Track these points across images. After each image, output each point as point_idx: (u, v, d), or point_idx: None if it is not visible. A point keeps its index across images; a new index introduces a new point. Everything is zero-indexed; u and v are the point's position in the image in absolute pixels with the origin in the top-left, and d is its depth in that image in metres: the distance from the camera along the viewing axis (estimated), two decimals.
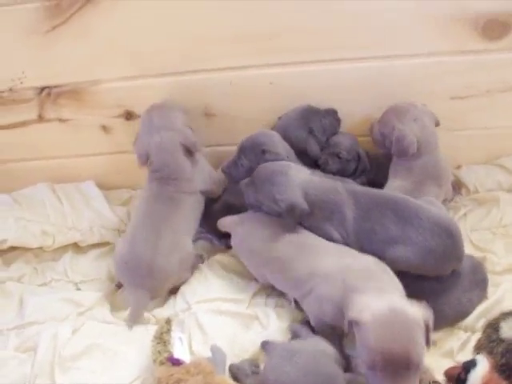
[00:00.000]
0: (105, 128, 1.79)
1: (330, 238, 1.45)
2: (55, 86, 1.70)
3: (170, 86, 1.70)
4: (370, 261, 1.34)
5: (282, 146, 1.61)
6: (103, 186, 1.89)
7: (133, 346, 1.41)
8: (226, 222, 1.59)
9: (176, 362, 1.24)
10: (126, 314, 1.53)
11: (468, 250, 1.55)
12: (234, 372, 1.31)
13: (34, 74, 1.68)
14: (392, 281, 1.29)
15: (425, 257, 1.39)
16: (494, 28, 1.61)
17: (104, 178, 1.90)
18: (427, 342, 1.12)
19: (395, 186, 1.59)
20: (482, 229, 1.68)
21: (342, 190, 1.48)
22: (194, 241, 1.65)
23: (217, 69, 1.67)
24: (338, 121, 1.73)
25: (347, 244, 1.45)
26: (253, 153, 1.58)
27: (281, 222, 1.46)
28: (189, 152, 1.60)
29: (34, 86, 1.71)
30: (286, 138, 1.64)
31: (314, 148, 1.68)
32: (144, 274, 1.52)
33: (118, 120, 1.76)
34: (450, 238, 1.40)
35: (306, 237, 1.45)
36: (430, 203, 1.46)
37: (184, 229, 1.60)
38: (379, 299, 1.14)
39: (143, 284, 1.53)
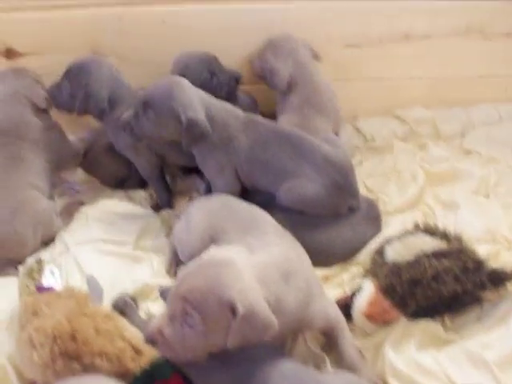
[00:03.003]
0: None
1: (220, 170, 1.40)
2: None
3: (54, 20, 1.59)
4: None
5: (107, 84, 1.48)
6: None
7: (1, 294, 1.26)
8: None
9: (45, 290, 1.12)
10: None
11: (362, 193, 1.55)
12: (121, 307, 1.21)
13: None
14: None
15: (318, 193, 1.37)
16: None
17: None
18: None
19: (284, 122, 1.57)
20: (376, 175, 1.69)
21: (241, 115, 1.43)
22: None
23: (104, 3, 1.58)
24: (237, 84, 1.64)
25: (238, 176, 1.40)
26: (76, 81, 1.46)
27: None
28: (37, 109, 1.48)
29: None
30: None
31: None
32: None
33: None
34: (341, 175, 1.39)
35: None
36: (326, 140, 1.45)
37: (29, 183, 1.43)
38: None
39: (1, 258, 1.37)
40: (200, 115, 1.34)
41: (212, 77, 1.57)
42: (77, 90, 1.45)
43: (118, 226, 1.47)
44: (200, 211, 1.34)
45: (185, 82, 1.37)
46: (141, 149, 1.51)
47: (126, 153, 1.54)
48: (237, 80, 1.60)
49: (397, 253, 1.24)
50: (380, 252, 1.29)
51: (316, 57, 1.66)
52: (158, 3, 1.59)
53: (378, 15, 1.70)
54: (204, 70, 1.57)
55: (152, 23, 1.62)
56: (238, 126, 1.40)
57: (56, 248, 1.42)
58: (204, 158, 1.42)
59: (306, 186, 1.37)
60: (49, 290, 1.12)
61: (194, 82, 1.46)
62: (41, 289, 1.12)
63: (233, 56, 1.69)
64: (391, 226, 1.47)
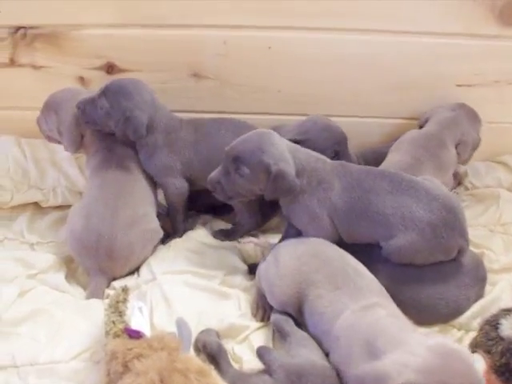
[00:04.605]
0: (82, 80, 1.62)
1: (313, 215, 1.30)
2: (32, 27, 1.54)
3: (158, 39, 1.55)
4: None
5: (147, 109, 1.41)
6: None
7: (85, 316, 1.24)
8: None
9: (134, 335, 1.06)
10: (84, 279, 1.41)
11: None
12: (214, 352, 1.16)
13: (10, 10, 1.51)
14: None
15: (425, 233, 1.25)
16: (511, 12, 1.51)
17: None
18: None
19: (394, 161, 1.48)
20: (479, 225, 1.57)
21: (328, 161, 1.34)
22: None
23: (211, 25, 1.52)
24: None
25: (333, 221, 1.31)
26: (115, 101, 1.38)
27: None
28: None
29: (8, 24, 1.54)
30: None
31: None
32: (103, 257, 1.35)
33: (98, 73, 1.60)
34: (448, 210, 1.27)
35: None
36: (426, 180, 1.34)
37: (145, 199, 1.44)
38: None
39: (102, 268, 1.37)
40: (290, 169, 1.25)
41: (334, 157, 1.44)
42: (116, 111, 1.38)
43: (208, 258, 1.42)
44: (289, 255, 1.27)
45: (274, 134, 1.29)
46: (171, 175, 1.46)
47: (156, 176, 1.48)
48: None
49: None
50: (493, 324, 1.16)
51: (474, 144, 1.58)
52: (265, 28, 1.52)
53: (497, 55, 1.57)
54: (331, 147, 1.46)
55: (257, 48, 1.55)
56: (326, 169, 1.31)
57: (142, 275, 1.39)
58: (293, 210, 1.32)
59: (410, 232, 1.26)
60: (138, 334, 1.06)
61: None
62: (129, 331, 1.07)
63: (339, 87, 1.62)
64: (497, 286, 1.35)
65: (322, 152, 1.40)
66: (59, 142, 1.49)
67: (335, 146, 1.46)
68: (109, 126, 1.41)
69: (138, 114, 1.39)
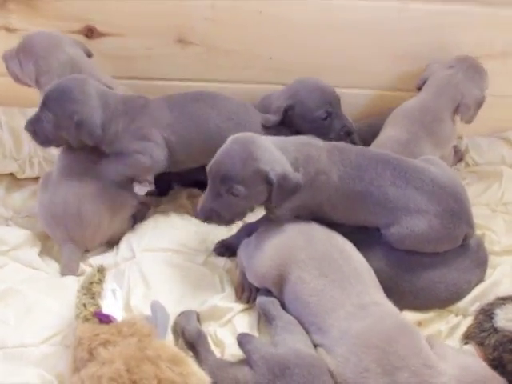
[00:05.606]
0: None
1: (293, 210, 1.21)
2: None
3: (142, 1, 1.45)
4: None
5: (96, 106, 1.27)
6: None
7: (58, 296, 1.18)
8: None
9: (104, 319, 1.00)
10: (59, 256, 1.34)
11: None
12: (193, 339, 1.09)
13: None
14: None
15: (432, 226, 1.19)
16: None
17: None
18: None
19: (389, 136, 1.39)
20: (480, 204, 1.49)
21: (321, 144, 1.23)
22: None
23: None
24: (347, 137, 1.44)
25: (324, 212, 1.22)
26: (60, 109, 1.24)
27: None
28: None
29: None
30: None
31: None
32: (72, 225, 1.31)
33: (77, 37, 1.48)
34: (455, 200, 1.21)
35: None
36: (429, 162, 1.26)
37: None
38: None
39: (72, 237, 1.32)
40: (287, 167, 1.14)
41: (327, 118, 1.37)
42: (63, 118, 1.24)
43: (191, 236, 1.34)
44: (273, 230, 1.19)
45: (254, 136, 1.16)
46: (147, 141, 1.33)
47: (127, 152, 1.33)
48: (348, 133, 1.40)
49: (510, 320, 1.05)
50: (488, 314, 1.10)
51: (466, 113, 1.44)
52: None
53: (505, 24, 1.47)
54: (323, 107, 1.38)
55: (247, 13, 1.45)
56: (323, 159, 1.19)
57: (120, 251, 1.32)
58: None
59: (416, 222, 1.19)
60: (108, 318, 1.00)
61: (304, 114, 1.31)
62: (99, 315, 1.01)
63: (334, 55, 1.52)
64: (498, 269, 1.29)
65: (314, 113, 1.33)
66: (28, 86, 1.41)
67: (327, 107, 1.39)
68: (63, 138, 1.28)
69: (88, 113, 1.25)
